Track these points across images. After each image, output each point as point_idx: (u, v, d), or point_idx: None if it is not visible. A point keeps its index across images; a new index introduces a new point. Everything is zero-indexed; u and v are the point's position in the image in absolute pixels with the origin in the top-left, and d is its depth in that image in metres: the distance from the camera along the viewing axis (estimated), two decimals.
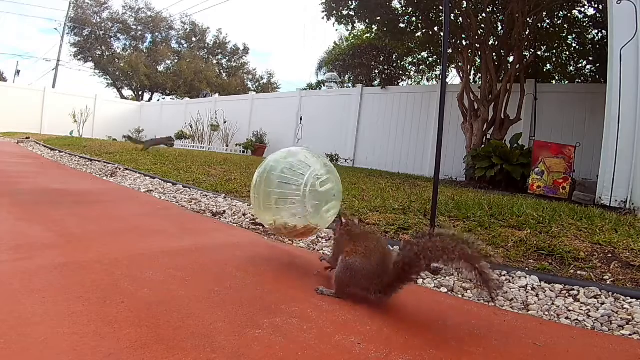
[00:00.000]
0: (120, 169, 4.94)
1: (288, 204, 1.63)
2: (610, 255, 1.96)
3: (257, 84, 27.35)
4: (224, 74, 27.05)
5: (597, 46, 7.22)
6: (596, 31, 7.25)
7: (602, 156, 3.70)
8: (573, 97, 6.52)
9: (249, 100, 12.55)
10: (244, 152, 11.08)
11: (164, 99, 24.88)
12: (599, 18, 6.72)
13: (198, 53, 26.05)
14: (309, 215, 1.63)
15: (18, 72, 23.84)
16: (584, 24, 7.18)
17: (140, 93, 24.98)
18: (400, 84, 11.26)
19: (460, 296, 1.58)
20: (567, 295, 1.59)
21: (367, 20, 7.51)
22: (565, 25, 7.14)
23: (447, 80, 8.66)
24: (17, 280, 1.31)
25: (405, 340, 1.13)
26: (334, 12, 7.16)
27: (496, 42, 6.53)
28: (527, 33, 6.24)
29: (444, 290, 1.62)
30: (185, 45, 26.35)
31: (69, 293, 1.24)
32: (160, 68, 24.93)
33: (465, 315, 1.37)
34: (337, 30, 19.74)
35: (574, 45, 7.67)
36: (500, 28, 6.76)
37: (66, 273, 1.42)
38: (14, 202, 2.69)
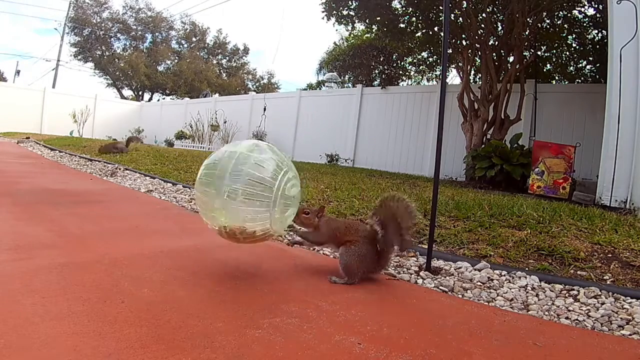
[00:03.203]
0: (120, 169, 4.94)
1: (254, 206, 1.40)
2: (610, 255, 1.96)
3: (257, 84, 27.35)
4: (224, 74, 27.05)
5: (597, 46, 7.22)
6: (596, 31, 7.25)
7: (602, 156, 3.70)
8: (573, 97, 6.51)
9: (249, 100, 12.55)
10: None
11: (164, 99, 24.89)
12: (599, 18, 6.72)
13: (198, 53, 26.05)
14: (274, 220, 1.45)
15: (18, 72, 23.82)
16: (584, 24, 7.17)
17: (140, 93, 24.97)
18: (400, 84, 11.26)
19: (460, 296, 1.58)
20: (567, 295, 1.59)
21: (367, 20, 7.50)
22: (565, 25, 7.13)
23: (447, 80, 8.66)
24: (17, 280, 1.31)
25: (405, 340, 1.13)
26: (334, 12, 7.16)
27: (496, 42, 6.52)
28: (527, 33, 6.23)
29: (444, 290, 1.62)
30: (185, 45, 26.36)
31: (69, 293, 1.24)
32: (160, 68, 24.93)
33: (465, 315, 1.37)
34: (337, 30, 19.74)
35: (574, 45, 7.66)
36: (500, 28, 6.75)
37: (66, 273, 1.42)
38: (14, 202, 2.69)
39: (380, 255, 1.63)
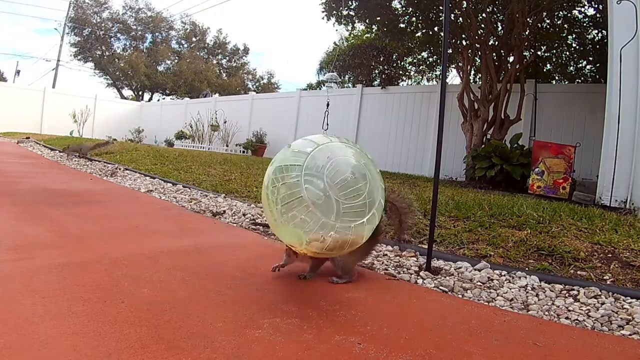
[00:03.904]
0: (120, 169, 4.94)
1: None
2: (610, 255, 1.96)
3: (257, 84, 27.35)
4: (224, 74, 27.05)
5: (597, 46, 7.21)
6: (596, 31, 7.24)
7: (602, 156, 3.69)
8: (573, 97, 6.51)
9: (249, 100, 12.55)
10: (244, 152, 11.08)
11: (164, 99, 24.88)
12: (599, 18, 6.71)
13: (198, 53, 26.04)
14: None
15: (18, 72, 23.81)
16: (584, 24, 7.17)
17: (140, 93, 24.97)
18: (400, 84, 11.25)
19: (460, 296, 1.58)
20: (567, 295, 1.59)
21: (367, 20, 7.50)
22: (565, 25, 7.13)
23: (447, 80, 8.66)
24: (17, 280, 1.31)
25: (405, 340, 1.13)
26: (334, 12, 7.15)
27: (496, 42, 6.52)
28: (527, 33, 6.23)
29: (444, 290, 1.62)
30: (185, 45, 26.35)
31: (69, 293, 1.24)
32: (160, 68, 24.92)
33: (465, 315, 1.37)
34: (337, 30, 19.73)
35: (574, 45, 7.65)
36: (500, 28, 6.75)
37: (66, 273, 1.42)
38: (14, 202, 2.69)
39: (367, 244, 1.59)
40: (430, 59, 9.64)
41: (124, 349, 0.94)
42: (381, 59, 11.00)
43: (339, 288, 1.53)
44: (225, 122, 11.90)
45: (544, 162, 4.55)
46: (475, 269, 1.83)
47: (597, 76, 7.42)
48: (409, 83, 11.99)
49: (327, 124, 2.09)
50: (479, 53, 6.57)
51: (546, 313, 1.44)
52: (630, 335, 1.28)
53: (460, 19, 6.44)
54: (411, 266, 1.88)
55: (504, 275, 1.77)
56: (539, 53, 7.38)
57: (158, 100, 24.43)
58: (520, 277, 1.74)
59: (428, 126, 7.98)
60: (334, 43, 14.93)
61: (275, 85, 27.56)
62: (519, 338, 1.21)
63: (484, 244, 2.14)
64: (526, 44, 6.41)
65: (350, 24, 7.51)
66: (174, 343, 1.00)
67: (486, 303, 1.52)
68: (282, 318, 1.20)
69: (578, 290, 1.61)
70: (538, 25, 6.64)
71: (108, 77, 24.24)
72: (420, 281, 1.70)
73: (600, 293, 1.57)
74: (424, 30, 7.48)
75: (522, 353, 1.11)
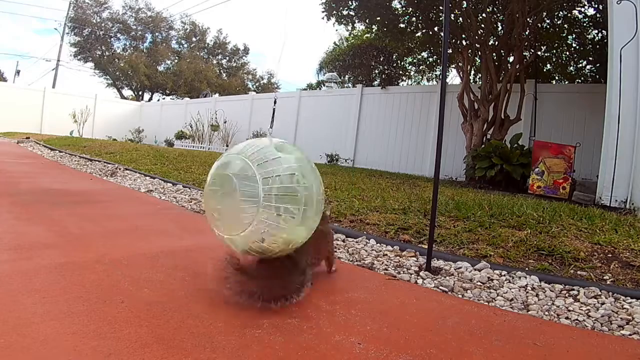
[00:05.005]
0: (120, 169, 4.94)
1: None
2: (610, 255, 1.96)
3: (257, 84, 27.35)
4: (224, 74, 27.05)
5: (597, 46, 7.22)
6: (596, 31, 7.25)
7: (602, 156, 3.70)
8: (573, 97, 6.51)
9: (249, 100, 12.55)
10: None
11: (164, 99, 24.88)
12: (599, 18, 6.72)
13: (198, 53, 26.04)
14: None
15: (18, 72, 23.85)
16: (584, 24, 7.18)
17: (140, 93, 24.97)
18: (400, 84, 11.25)
19: (460, 296, 1.58)
20: (567, 295, 1.59)
21: (367, 20, 7.50)
22: (565, 25, 7.14)
23: (447, 80, 8.67)
24: (17, 280, 1.31)
25: (405, 340, 1.13)
26: (334, 12, 7.16)
27: (496, 42, 6.52)
28: (527, 33, 6.23)
29: (444, 290, 1.62)
30: (185, 45, 26.36)
31: (69, 293, 1.24)
32: (160, 68, 24.93)
33: (465, 315, 1.37)
34: (337, 30, 19.71)
35: (574, 45, 7.66)
36: (500, 28, 6.76)
37: (66, 273, 1.42)
38: (14, 202, 2.69)
39: None
40: (430, 59, 9.65)
41: (124, 349, 0.94)
42: (381, 59, 11.01)
43: (338, 288, 1.53)
44: (225, 122, 11.90)
45: (544, 162, 4.55)
46: (475, 269, 1.83)
47: (597, 76, 7.43)
48: (409, 83, 12.00)
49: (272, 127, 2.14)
50: (479, 53, 6.57)
51: (546, 313, 1.44)
52: (630, 335, 1.28)
53: (460, 19, 6.44)
54: (411, 266, 1.88)
55: (504, 275, 1.77)
56: (539, 53, 7.39)
57: (158, 100, 24.43)
58: (520, 277, 1.73)
59: (428, 126, 7.98)
60: (334, 43, 14.94)
61: (275, 85, 27.57)
62: (519, 338, 1.21)
63: (484, 244, 2.14)
64: (526, 44, 6.41)
65: (350, 24, 7.51)
66: (174, 343, 1.00)
67: (486, 303, 1.52)
68: (282, 318, 1.20)
69: (578, 290, 1.61)
70: (538, 25, 6.64)
71: (108, 77, 24.25)
72: (420, 281, 1.70)
73: (600, 293, 1.57)
74: (424, 30, 7.48)
75: (522, 353, 1.11)
